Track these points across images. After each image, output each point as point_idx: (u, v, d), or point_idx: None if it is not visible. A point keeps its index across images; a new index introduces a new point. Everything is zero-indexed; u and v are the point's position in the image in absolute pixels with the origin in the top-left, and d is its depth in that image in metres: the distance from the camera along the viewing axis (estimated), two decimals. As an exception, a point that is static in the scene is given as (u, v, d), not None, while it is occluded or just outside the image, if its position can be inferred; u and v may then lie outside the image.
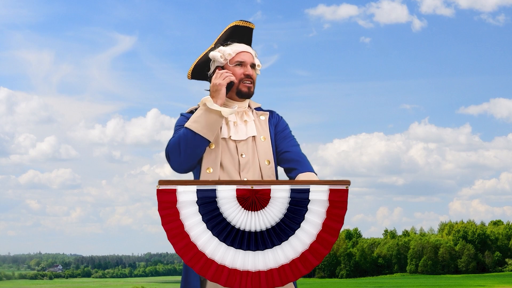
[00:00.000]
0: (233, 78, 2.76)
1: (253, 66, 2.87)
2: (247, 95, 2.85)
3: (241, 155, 2.77)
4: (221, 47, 2.86)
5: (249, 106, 2.93)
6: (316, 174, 2.76)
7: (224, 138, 2.79)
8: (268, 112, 2.94)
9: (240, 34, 2.92)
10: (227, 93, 2.77)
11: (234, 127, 2.81)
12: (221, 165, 2.75)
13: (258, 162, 2.78)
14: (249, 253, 2.39)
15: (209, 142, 2.69)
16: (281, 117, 2.98)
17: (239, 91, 2.83)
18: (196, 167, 2.78)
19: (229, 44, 2.88)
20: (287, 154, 2.82)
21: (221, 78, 2.72)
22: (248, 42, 2.94)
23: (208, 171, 2.71)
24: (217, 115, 2.67)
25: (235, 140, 2.80)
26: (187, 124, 2.68)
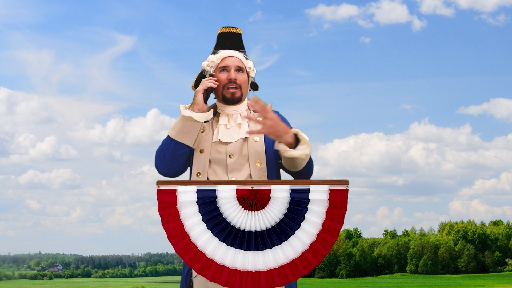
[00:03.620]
0: (210, 85, 2.82)
1: (239, 69, 2.89)
2: (231, 100, 2.87)
3: (229, 155, 2.78)
4: (209, 56, 2.93)
5: (248, 107, 2.93)
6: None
7: (214, 142, 2.82)
8: None
9: (224, 40, 2.96)
10: (207, 98, 2.86)
11: (225, 130, 2.84)
12: (210, 168, 2.77)
13: (248, 163, 2.77)
14: (249, 253, 2.39)
15: (187, 146, 2.77)
16: (285, 118, 2.94)
17: (223, 97, 2.88)
18: (185, 171, 2.86)
19: (216, 53, 2.93)
20: None
21: (200, 85, 2.82)
22: (233, 47, 2.94)
23: (198, 175, 2.76)
24: (191, 120, 2.76)
25: (226, 143, 2.81)
26: (169, 131, 2.81)
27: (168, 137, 2.79)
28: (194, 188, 2.38)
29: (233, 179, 2.72)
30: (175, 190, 2.38)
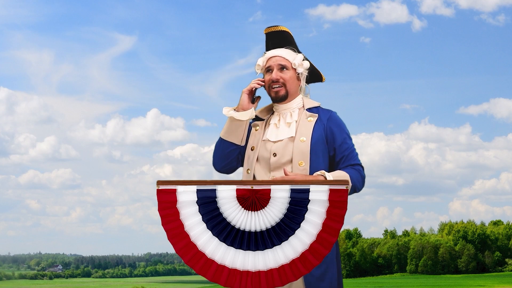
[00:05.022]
0: (254, 85, 2.94)
1: (282, 67, 2.93)
2: (276, 99, 2.95)
3: (273, 154, 2.84)
4: (258, 59, 3.02)
5: (303, 105, 2.96)
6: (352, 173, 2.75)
7: (263, 140, 2.91)
8: (317, 115, 2.91)
9: (268, 41, 3.06)
10: (253, 98, 2.98)
11: (274, 129, 2.92)
12: (257, 165, 2.86)
13: (291, 162, 2.79)
14: (249, 253, 2.39)
15: (234, 144, 2.92)
16: (338, 123, 2.91)
17: (270, 96, 2.98)
18: (238, 168, 3.01)
19: (264, 55, 3.03)
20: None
21: (247, 86, 2.95)
22: (276, 46, 3.00)
23: (248, 172, 2.88)
24: (234, 119, 2.91)
25: (274, 141, 2.87)
26: (220, 132, 2.98)
27: (219, 136, 2.98)
28: (194, 188, 2.38)
29: (274, 177, 2.76)
30: (175, 190, 2.38)
